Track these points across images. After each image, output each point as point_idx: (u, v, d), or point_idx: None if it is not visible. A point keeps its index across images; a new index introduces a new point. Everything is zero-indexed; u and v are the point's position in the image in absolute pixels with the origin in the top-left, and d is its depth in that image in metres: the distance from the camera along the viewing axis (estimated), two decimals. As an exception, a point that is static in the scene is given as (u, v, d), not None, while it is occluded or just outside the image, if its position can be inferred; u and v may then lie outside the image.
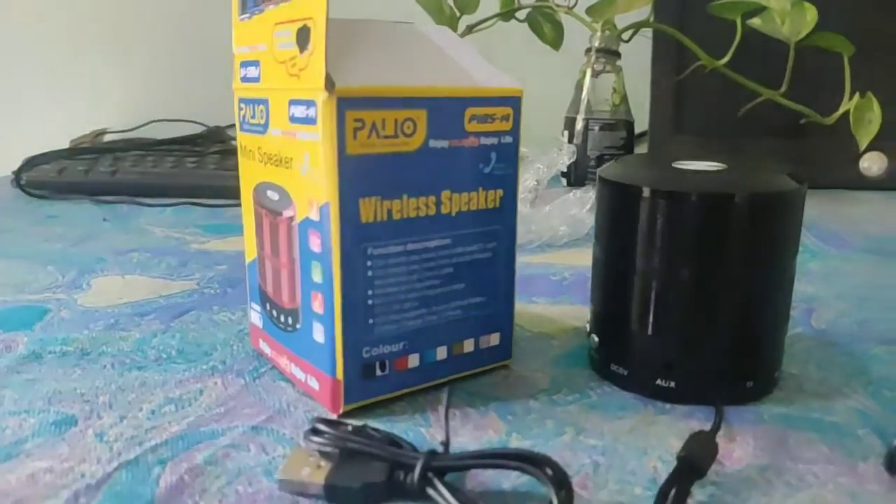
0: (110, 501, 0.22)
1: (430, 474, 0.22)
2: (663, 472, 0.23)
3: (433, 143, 0.27)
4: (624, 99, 0.70)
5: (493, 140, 0.28)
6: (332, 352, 0.26)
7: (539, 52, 0.72)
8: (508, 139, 0.29)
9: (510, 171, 0.29)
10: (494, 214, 0.29)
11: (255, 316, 0.32)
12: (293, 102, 0.26)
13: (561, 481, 0.20)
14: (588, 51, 0.70)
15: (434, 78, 0.27)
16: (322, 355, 0.27)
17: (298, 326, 0.28)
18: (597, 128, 0.68)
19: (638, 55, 0.73)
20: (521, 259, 0.49)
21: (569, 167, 0.59)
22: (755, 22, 0.68)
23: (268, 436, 0.26)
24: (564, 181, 0.68)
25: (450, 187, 0.27)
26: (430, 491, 0.21)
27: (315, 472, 0.22)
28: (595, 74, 0.69)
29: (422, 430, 0.26)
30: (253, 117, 0.29)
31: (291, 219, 0.27)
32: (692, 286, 0.27)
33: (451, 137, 0.27)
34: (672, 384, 0.28)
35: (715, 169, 0.30)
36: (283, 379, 0.30)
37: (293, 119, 0.26)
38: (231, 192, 0.68)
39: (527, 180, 0.54)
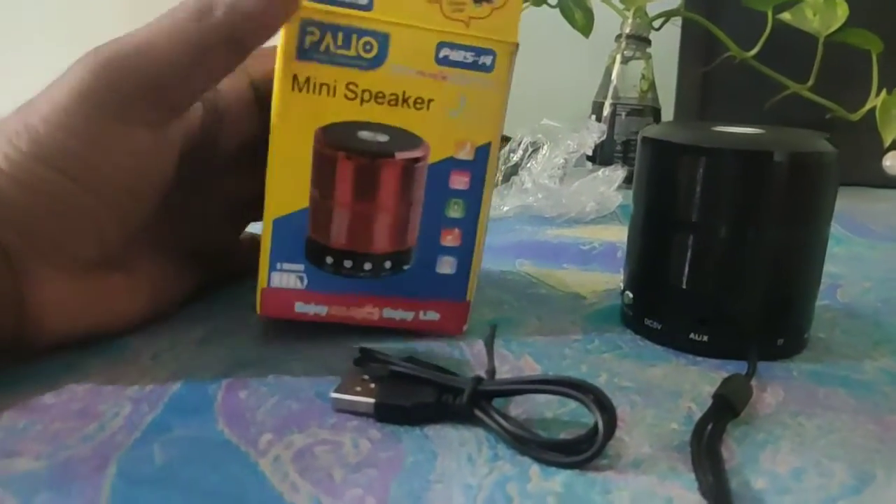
0: (173, 409, 0.23)
1: (478, 398, 0.23)
2: (698, 413, 0.24)
3: None
4: (652, 86, 0.71)
5: None
6: (466, 279, 0.29)
7: (569, 39, 0.72)
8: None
9: None
10: None
11: (289, 278, 0.28)
12: (449, 46, 0.26)
13: (605, 406, 0.21)
14: (618, 37, 0.71)
15: None
16: (451, 285, 0.29)
17: (407, 267, 0.29)
18: (624, 113, 0.69)
19: (667, 44, 0.73)
20: (551, 231, 0.50)
21: (595, 148, 0.59)
22: (785, 16, 0.68)
23: (314, 360, 0.27)
24: (589, 164, 0.69)
25: None
26: (479, 413, 0.22)
27: (366, 393, 0.23)
28: (624, 61, 0.70)
29: (463, 368, 0.27)
30: (345, 47, 0.26)
31: (415, 160, 0.27)
32: (729, 243, 0.28)
33: None
34: (705, 338, 0.29)
35: (754, 131, 0.30)
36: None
37: (444, 61, 0.26)
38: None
39: (556, 157, 0.54)
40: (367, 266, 0.28)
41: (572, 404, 0.24)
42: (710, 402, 0.24)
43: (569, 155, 0.55)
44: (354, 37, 0.25)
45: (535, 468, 0.21)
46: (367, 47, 0.26)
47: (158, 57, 0.23)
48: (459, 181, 0.28)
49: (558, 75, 0.80)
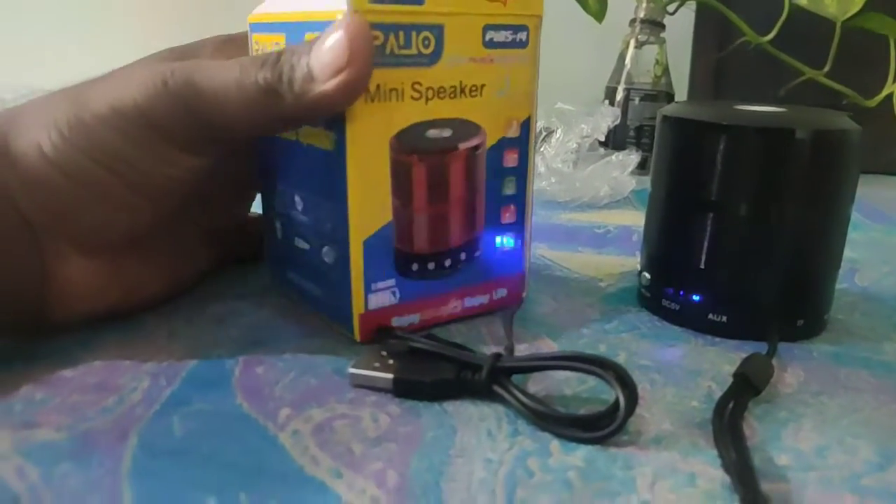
0: (191, 383, 0.23)
1: (497, 374, 0.22)
2: (718, 391, 0.24)
3: None
4: (666, 71, 0.70)
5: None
6: (522, 250, 0.30)
7: (583, 23, 0.72)
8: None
9: None
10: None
11: (384, 297, 0.27)
12: (493, 28, 0.26)
13: (626, 382, 0.21)
14: (632, 21, 0.70)
15: None
16: (512, 259, 0.30)
17: (478, 254, 0.29)
18: (637, 98, 0.69)
19: (681, 28, 0.73)
20: (564, 215, 0.49)
21: (608, 133, 0.59)
22: (802, 1, 0.68)
23: (332, 337, 0.27)
24: (602, 150, 0.69)
25: None
26: (498, 389, 0.22)
27: (385, 368, 0.23)
28: (638, 45, 0.69)
29: (480, 347, 0.27)
30: (407, 46, 0.25)
31: (476, 147, 0.27)
32: (749, 222, 0.28)
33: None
34: (724, 318, 0.29)
35: (776, 110, 0.30)
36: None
37: (490, 44, 0.26)
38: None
39: (569, 141, 0.54)
40: (447, 262, 0.28)
41: (591, 381, 0.24)
42: (730, 381, 0.24)
43: (582, 140, 0.55)
44: (414, 34, 0.24)
45: (555, 443, 0.21)
46: (426, 42, 0.25)
47: (224, 110, 0.23)
48: (511, 159, 0.28)
49: (572, 60, 0.80)
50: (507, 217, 0.29)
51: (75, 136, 0.23)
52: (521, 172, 0.29)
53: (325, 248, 0.27)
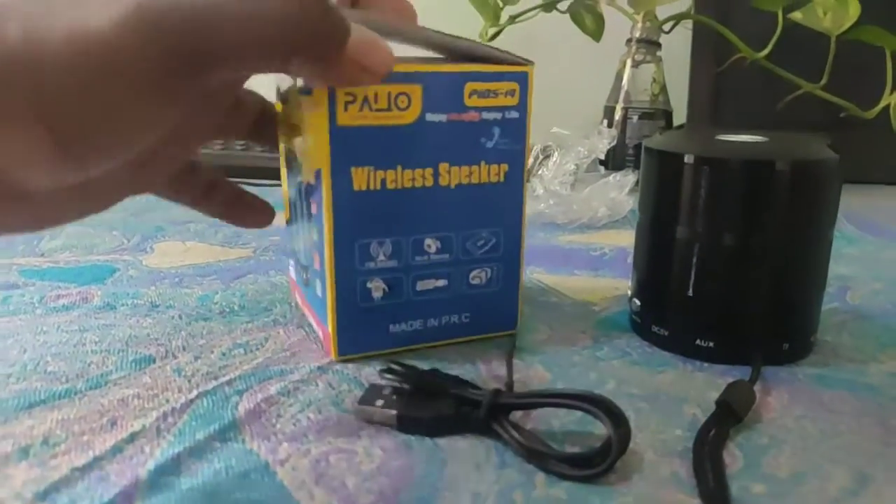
0: (196, 421, 0.24)
1: (496, 411, 0.23)
2: (702, 418, 0.25)
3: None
4: (663, 89, 0.71)
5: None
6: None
7: (579, 43, 0.73)
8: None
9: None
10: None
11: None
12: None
13: (619, 422, 0.22)
14: (629, 41, 0.71)
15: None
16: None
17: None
18: (636, 117, 0.70)
19: (678, 46, 0.74)
20: (562, 237, 0.50)
21: (607, 153, 0.60)
22: (796, 16, 0.68)
23: (333, 375, 0.28)
24: (602, 169, 0.70)
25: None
26: (496, 426, 0.23)
27: (388, 404, 0.24)
28: (635, 65, 0.71)
29: (474, 379, 0.28)
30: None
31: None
32: (734, 250, 0.28)
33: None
34: (711, 344, 0.29)
35: (756, 140, 0.31)
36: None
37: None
38: (274, 174, 0.70)
39: (567, 163, 0.55)
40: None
41: (579, 413, 0.25)
42: (714, 407, 0.25)
43: (580, 161, 0.56)
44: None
45: (540, 476, 0.22)
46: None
47: (226, 37, 0.18)
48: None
49: (569, 80, 0.81)
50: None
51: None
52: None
53: (479, 271, 0.30)
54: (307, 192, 0.29)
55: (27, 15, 0.17)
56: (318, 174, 0.27)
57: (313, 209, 0.28)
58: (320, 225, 0.28)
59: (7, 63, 0.17)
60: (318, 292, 0.29)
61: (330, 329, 0.29)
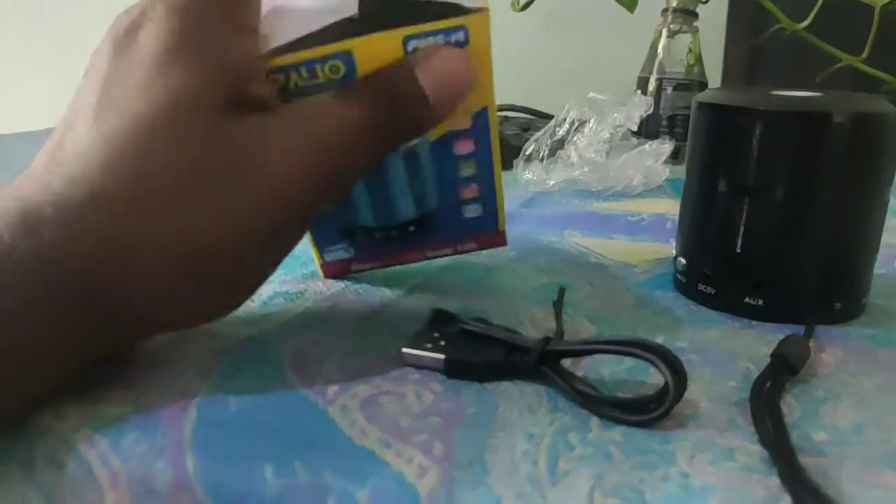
0: (244, 357, 0.24)
1: (546, 357, 0.23)
2: (755, 372, 0.24)
3: None
4: (698, 60, 0.69)
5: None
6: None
7: (615, 13, 0.72)
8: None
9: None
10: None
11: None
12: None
13: (676, 368, 0.21)
14: (664, 10, 0.70)
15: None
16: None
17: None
18: (670, 88, 0.68)
19: (713, 17, 0.72)
20: (597, 204, 0.50)
21: (641, 123, 0.59)
22: (839, -14, 0.67)
23: (375, 321, 0.28)
24: (635, 140, 0.68)
25: None
26: (547, 371, 0.23)
27: (437, 348, 0.24)
28: (671, 35, 0.69)
29: (522, 330, 0.28)
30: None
31: None
32: (786, 206, 0.28)
33: None
34: (760, 302, 0.29)
35: (813, 94, 0.30)
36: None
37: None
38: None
39: (602, 131, 0.54)
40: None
41: (629, 363, 0.24)
42: (767, 362, 0.24)
43: (615, 129, 0.55)
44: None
45: (594, 420, 0.21)
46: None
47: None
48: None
49: (604, 50, 0.80)
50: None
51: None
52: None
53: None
54: (448, 140, 0.28)
55: None
56: (479, 114, 0.28)
57: (461, 150, 0.29)
58: (482, 157, 0.29)
59: None
60: (477, 213, 0.31)
61: (501, 228, 0.32)
